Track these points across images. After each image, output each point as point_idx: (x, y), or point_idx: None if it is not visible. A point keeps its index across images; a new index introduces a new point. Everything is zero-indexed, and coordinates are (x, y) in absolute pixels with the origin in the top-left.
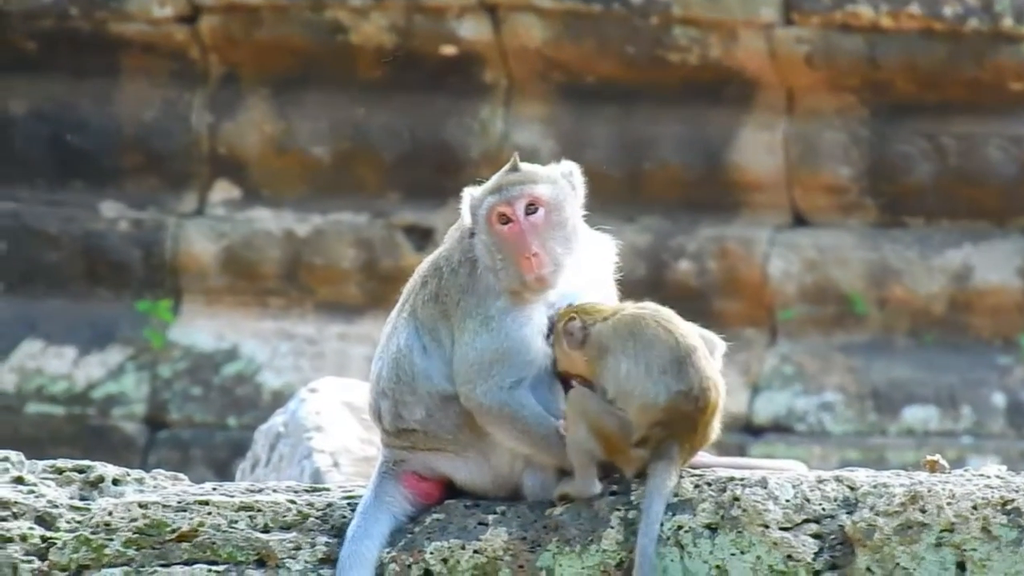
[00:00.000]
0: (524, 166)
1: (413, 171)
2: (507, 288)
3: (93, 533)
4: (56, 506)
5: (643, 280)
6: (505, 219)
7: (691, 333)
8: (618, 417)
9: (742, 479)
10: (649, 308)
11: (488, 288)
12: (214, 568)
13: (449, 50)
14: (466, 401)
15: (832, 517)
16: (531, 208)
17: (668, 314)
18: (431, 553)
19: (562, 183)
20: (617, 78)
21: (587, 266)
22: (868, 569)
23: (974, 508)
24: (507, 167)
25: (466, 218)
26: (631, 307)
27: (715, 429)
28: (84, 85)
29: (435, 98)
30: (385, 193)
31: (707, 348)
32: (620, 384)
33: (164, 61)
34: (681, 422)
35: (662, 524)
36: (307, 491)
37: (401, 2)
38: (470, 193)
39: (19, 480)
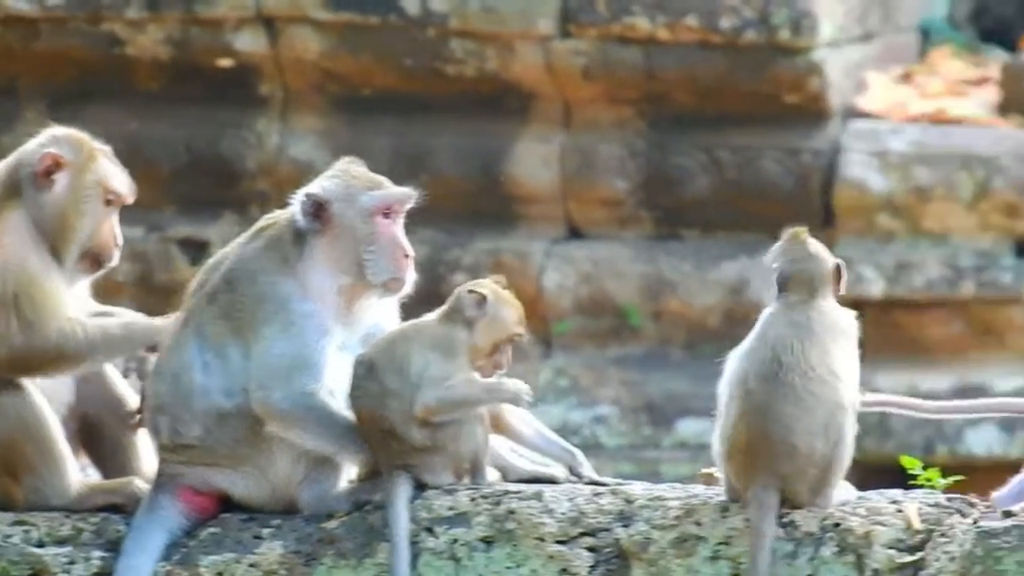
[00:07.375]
0: None
1: (189, 184)
2: (371, 282)
3: None
4: None
5: (419, 293)
6: (388, 214)
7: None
8: None
9: (518, 492)
10: None
11: (290, 294)
12: None
13: (226, 62)
14: (262, 407)
15: (608, 530)
16: (404, 212)
17: None
18: (206, 567)
19: None
20: (394, 90)
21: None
22: None
23: (748, 520)
24: (354, 164)
25: (301, 218)
26: None
27: (407, 434)
28: None
29: (212, 111)
30: (160, 206)
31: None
32: None
33: None
34: (366, 431)
35: (437, 536)
36: None
37: (177, 14)
38: (315, 190)
39: None
